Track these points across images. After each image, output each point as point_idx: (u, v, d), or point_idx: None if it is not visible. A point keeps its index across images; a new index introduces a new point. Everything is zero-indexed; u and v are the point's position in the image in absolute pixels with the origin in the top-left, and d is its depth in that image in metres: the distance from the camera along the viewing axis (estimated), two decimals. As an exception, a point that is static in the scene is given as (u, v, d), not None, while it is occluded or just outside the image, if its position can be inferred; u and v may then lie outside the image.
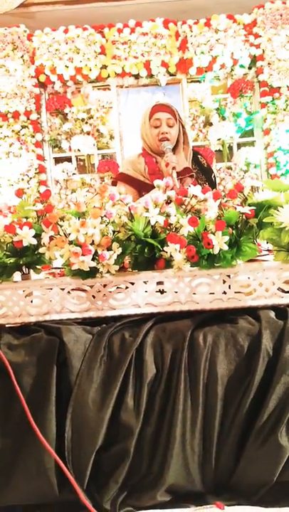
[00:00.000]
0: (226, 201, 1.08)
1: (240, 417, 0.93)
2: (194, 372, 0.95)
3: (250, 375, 0.93)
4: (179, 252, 0.97)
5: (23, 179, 3.68)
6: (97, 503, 0.92)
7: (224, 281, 1.04)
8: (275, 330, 0.97)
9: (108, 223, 0.99)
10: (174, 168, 1.71)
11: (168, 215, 1.01)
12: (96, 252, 0.97)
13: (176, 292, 1.05)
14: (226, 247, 0.98)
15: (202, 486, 0.96)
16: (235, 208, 1.02)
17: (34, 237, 1.02)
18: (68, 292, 1.06)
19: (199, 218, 1.00)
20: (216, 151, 3.74)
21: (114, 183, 1.92)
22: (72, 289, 1.07)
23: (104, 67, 3.75)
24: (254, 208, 1.03)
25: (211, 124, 3.73)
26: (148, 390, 0.94)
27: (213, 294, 1.05)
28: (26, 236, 1.00)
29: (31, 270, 1.11)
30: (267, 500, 0.94)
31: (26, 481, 0.94)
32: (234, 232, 1.02)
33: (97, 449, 0.93)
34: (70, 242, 0.98)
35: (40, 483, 0.93)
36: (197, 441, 0.94)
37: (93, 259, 0.98)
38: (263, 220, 1.03)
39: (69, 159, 3.85)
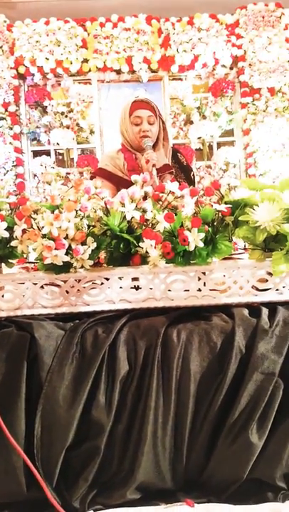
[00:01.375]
0: (203, 198, 1.08)
1: (212, 414, 0.93)
2: (167, 369, 0.94)
3: (222, 372, 0.94)
4: (155, 248, 0.96)
5: (-1, 172, 3.60)
6: (66, 502, 0.91)
7: (199, 279, 1.04)
8: (248, 328, 0.98)
9: (83, 217, 0.97)
10: (154, 165, 1.70)
11: (144, 211, 1.00)
12: (70, 246, 0.96)
13: (151, 289, 1.04)
14: (201, 244, 0.97)
15: (173, 483, 0.96)
16: (212, 206, 1.02)
17: (6, 230, 1.00)
18: (41, 287, 1.04)
19: (176, 215, 0.99)
20: (195, 149, 3.74)
21: (92, 178, 1.89)
22: (45, 284, 1.05)
23: (86, 61, 3.70)
24: (230, 206, 1.03)
25: (191, 123, 3.74)
26: (120, 387, 0.93)
27: (188, 291, 1.05)
28: (-2, 228, 0.98)
29: (3, 264, 1.09)
30: (237, 497, 0.94)
31: (-6, 480, 0.92)
32: (210, 229, 1.02)
33: (67, 447, 0.91)
34: (44, 236, 0.96)
35: (8, 481, 0.91)
36: (168, 439, 0.93)
37: (67, 253, 0.96)
38: (239, 219, 1.03)
39: (47, 153, 3.79)
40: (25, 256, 1.08)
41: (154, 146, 1.85)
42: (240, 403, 0.92)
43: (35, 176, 3.74)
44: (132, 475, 0.92)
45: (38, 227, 0.96)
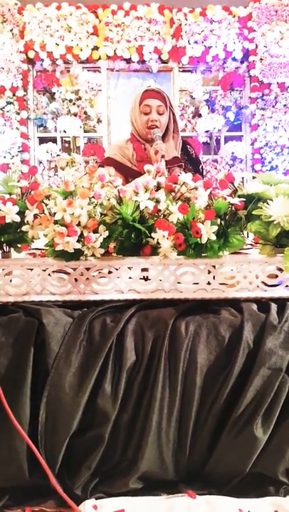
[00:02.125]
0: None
1: (217, 407, 0.93)
2: (174, 361, 0.94)
3: (229, 366, 0.93)
4: (167, 239, 0.96)
5: (5, 157, 3.57)
6: (68, 489, 0.91)
7: (209, 272, 1.03)
8: (257, 323, 0.97)
9: (96, 205, 0.96)
10: (162, 156, 1.68)
11: (157, 201, 0.99)
12: (82, 233, 0.95)
13: (160, 280, 1.03)
14: (214, 237, 0.97)
15: (175, 474, 0.96)
16: (225, 199, 1.01)
17: (17, 214, 0.99)
18: (49, 274, 1.03)
19: (189, 207, 0.98)
20: (203, 143, 3.72)
21: (100, 167, 1.87)
22: (54, 271, 1.04)
23: (96, 48, 3.66)
24: (243, 199, 1.02)
25: (200, 116, 3.71)
26: (127, 377, 0.93)
27: (197, 283, 1.04)
28: (9, 212, 0.97)
29: (12, 249, 1.08)
30: (238, 490, 0.94)
31: (-4, 464, 0.92)
32: (222, 222, 1.01)
33: (71, 434, 0.91)
34: (55, 222, 0.95)
35: (10, 466, 0.92)
36: (173, 430, 0.93)
37: (78, 241, 0.95)
38: (252, 213, 1.02)
39: (54, 140, 3.76)
40: (33, 242, 1.07)
41: (164, 138, 1.82)
42: (246, 397, 0.91)
43: (40, 162, 3.72)
44: (135, 465, 0.92)
45: (49, 212, 0.95)
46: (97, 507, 0.88)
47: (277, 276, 1.05)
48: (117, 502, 0.90)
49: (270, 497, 0.94)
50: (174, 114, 1.87)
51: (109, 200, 0.98)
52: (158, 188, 1.05)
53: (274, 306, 1.01)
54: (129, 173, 1.79)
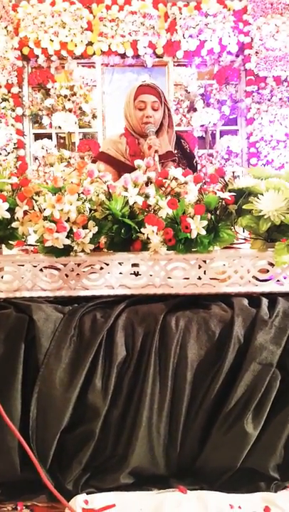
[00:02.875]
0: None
1: (208, 402, 0.93)
2: (164, 356, 0.94)
3: (220, 361, 0.93)
4: (156, 234, 0.95)
5: (0, 153, 3.56)
6: (59, 484, 0.92)
7: (200, 267, 1.03)
8: (248, 318, 0.97)
9: (85, 201, 0.96)
10: (156, 151, 1.68)
11: (147, 196, 0.99)
12: (71, 229, 0.94)
13: (150, 275, 1.03)
14: (203, 232, 0.96)
15: (166, 469, 0.96)
16: (215, 193, 1.01)
17: (8, 211, 0.98)
18: (41, 270, 1.03)
19: (179, 201, 0.98)
20: (198, 137, 3.71)
21: (94, 162, 1.87)
22: (45, 267, 1.04)
23: (90, 43, 3.64)
24: (234, 194, 1.02)
25: (195, 110, 3.69)
26: (117, 372, 0.93)
27: (188, 278, 1.04)
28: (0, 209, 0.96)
29: (3, 245, 1.07)
30: (229, 486, 0.94)
31: (-13, 460, 0.92)
32: (212, 217, 1.01)
33: (62, 430, 0.92)
34: (45, 218, 0.94)
35: (1, 461, 0.92)
36: (163, 425, 0.93)
37: (68, 236, 0.95)
38: (243, 207, 1.02)
39: (49, 136, 3.74)
40: (24, 239, 1.06)
41: (158, 132, 1.81)
42: (236, 392, 0.91)
43: (36, 158, 3.71)
44: (125, 460, 0.92)
45: (39, 209, 0.95)
46: (88, 502, 0.89)
47: (268, 270, 1.05)
48: (108, 497, 0.90)
49: (260, 492, 0.94)
50: (168, 109, 1.86)
51: (98, 195, 0.98)
52: (148, 183, 1.05)
53: (265, 301, 1.01)
54: (122, 168, 1.77)
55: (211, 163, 3.62)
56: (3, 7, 3.59)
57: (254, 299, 1.04)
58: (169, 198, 0.98)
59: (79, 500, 0.88)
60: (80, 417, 0.92)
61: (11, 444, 0.90)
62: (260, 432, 0.93)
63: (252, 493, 0.94)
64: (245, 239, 1.24)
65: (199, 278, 1.04)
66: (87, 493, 0.91)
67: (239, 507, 0.90)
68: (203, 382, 0.94)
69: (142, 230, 0.98)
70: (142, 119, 1.77)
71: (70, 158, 3.56)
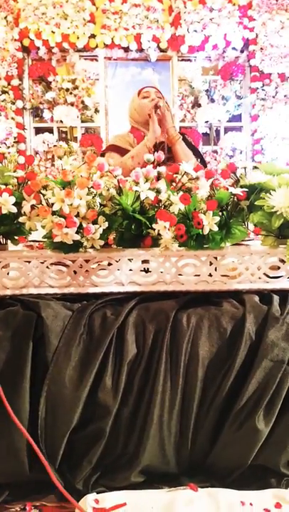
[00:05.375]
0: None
1: (219, 399, 0.92)
2: (176, 354, 0.93)
3: (231, 358, 0.92)
4: (168, 230, 0.94)
5: (0, 147, 3.52)
6: (69, 483, 0.90)
7: (211, 263, 1.02)
8: (259, 315, 0.96)
9: (95, 195, 0.94)
10: (158, 107, 1.79)
11: (158, 191, 0.97)
12: (81, 224, 0.93)
13: (161, 272, 1.01)
14: (216, 228, 0.95)
15: (177, 467, 0.95)
16: (227, 189, 0.99)
17: (14, 205, 0.96)
18: (48, 266, 1.01)
19: (191, 197, 0.96)
20: (202, 133, 3.68)
21: (102, 155, 1.94)
22: (52, 263, 1.02)
23: (93, 36, 3.58)
24: (246, 190, 1.00)
25: (199, 106, 3.66)
26: (127, 370, 0.92)
27: (198, 275, 1.02)
28: (6, 203, 0.95)
29: (9, 241, 1.05)
30: (240, 483, 0.94)
31: (-4, 459, 0.91)
32: (224, 213, 1.00)
33: (72, 428, 0.90)
34: (53, 213, 0.92)
35: (10, 461, 0.90)
36: (174, 423, 0.92)
37: (77, 232, 0.93)
38: (254, 203, 1.00)
39: (50, 130, 3.70)
40: (31, 233, 1.05)
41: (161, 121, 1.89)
42: (247, 390, 0.90)
43: (36, 153, 3.67)
44: (136, 458, 0.91)
45: (47, 203, 0.93)
46: (99, 501, 0.87)
47: (279, 267, 1.04)
48: (118, 496, 0.89)
49: (271, 489, 0.93)
50: (168, 107, 1.96)
51: (108, 190, 0.96)
52: (158, 178, 1.03)
53: (276, 298, 1.00)
54: None
55: (216, 159, 3.60)
56: (3, -4, 3.54)
57: (265, 295, 1.03)
58: (180, 193, 0.96)
59: (89, 500, 0.87)
60: (90, 415, 0.91)
61: (19, 444, 0.89)
62: (271, 428, 0.92)
63: (263, 490, 0.93)
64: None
65: (210, 275, 1.02)
66: (97, 493, 0.90)
67: (250, 504, 0.89)
68: (215, 380, 0.93)
69: (153, 225, 0.96)
70: (149, 102, 1.88)
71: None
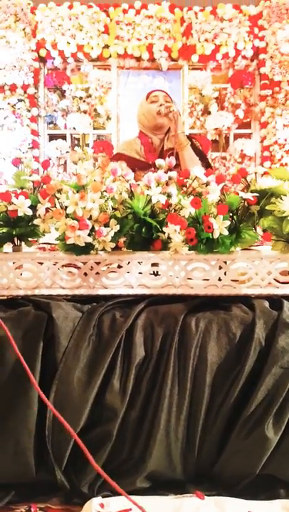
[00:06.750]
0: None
1: (228, 406, 0.91)
2: (184, 358, 0.92)
3: (240, 363, 0.91)
4: (178, 233, 0.94)
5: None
6: (74, 486, 0.90)
7: (220, 268, 1.02)
8: (269, 320, 0.95)
9: (108, 199, 0.95)
10: (169, 111, 1.85)
11: (169, 196, 0.98)
12: (93, 227, 0.94)
13: (170, 275, 1.02)
14: (226, 232, 0.95)
15: (183, 474, 0.94)
16: (238, 194, 1.00)
17: (29, 208, 0.98)
18: (59, 268, 1.02)
19: (201, 201, 0.97)
20: (212, 140, 3.70)
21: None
22: (64, 265, 1.03)
23: (107, 46, 3.66)
24: (256, 194, 1.00)
25: (209, 113, 3.69)
26: (136, 373, 0.91)
27: (208, 279, 1.02)
28: (22, 206, 0.97)
29: (23, 243, 1.07)
30: (248, 492, 0.92)
31: (3, 460, 0.91)
32: (234, 217, 1.00)
33: (79, 431, 0.90)
34: (67, 216, 0.94)
35: (16, 463, 0.90)
36: (182, 429, 0.91)
37: (89, 235, 0.94)
38: (265, 208, 1.01)
39: (64, 137, 3.76)
40: (40, 237, 1.07)
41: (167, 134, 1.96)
42: (256, 396, 0.89)
43: (50, 159, 3.72)
44: (142, 463, 0.90)
45: (61, 206, 0.94)
46: (104, 505, 0.87)
47: (289, 273, 1.03)
48: (123, 501, 0.88)
49: (280, 500, 0.91)
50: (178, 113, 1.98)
51: (120, 194, 0.97)
52: (168, 182, 1.04)
53: (287, 304, 0.99)
54: (135, 164, 1.91)
55: (224, 166, 3.61)
56: (22, 9, 3.64)
57: (275, 301, 1.02)
58: (191, 197, 0.97)
59: (94, 504, 0.86)
60: (97, 417, 0.91)
61: (26, 445, 0.89)
62: (280, 437, 0.90)
63: (271, 501, 0.91)
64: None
65: (220, 279, 1.02)
66: (102, 497, 0.89)
67: (258, 514, 0.87)
68: (223, 386, 0.92)
69: (164, 229, 0.96)
70: (157, 107, 1.91)
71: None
